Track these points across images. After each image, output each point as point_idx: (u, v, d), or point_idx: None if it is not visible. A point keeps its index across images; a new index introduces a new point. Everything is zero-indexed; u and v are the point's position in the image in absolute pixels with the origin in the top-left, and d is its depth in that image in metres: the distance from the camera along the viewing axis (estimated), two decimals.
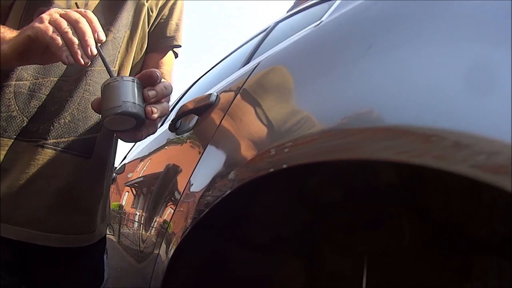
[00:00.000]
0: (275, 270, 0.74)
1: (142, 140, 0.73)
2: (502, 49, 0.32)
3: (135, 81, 0.65)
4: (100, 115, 0.66)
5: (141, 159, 1.52)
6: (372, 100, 0.43)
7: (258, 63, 0.84)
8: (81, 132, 0.81)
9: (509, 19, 0.33)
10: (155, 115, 0.65)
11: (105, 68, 0.71)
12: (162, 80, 0.70)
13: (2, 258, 0.74)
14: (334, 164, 0.49)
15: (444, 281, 0.58)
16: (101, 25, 0.83)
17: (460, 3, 0.43)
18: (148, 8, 0.91)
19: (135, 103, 0.63)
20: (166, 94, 0.69)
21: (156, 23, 0.94)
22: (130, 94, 0.63)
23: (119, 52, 0.85)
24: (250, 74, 0.82)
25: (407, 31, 0.47)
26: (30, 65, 0.76)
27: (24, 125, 0.75)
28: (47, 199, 0.78)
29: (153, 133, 0.73)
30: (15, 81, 0.76)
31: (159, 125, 0.72)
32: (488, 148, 0.28)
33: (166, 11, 0.95)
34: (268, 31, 1.46)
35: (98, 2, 0.84)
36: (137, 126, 0.66)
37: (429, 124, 0.34)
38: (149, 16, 0.92)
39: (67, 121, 0.79)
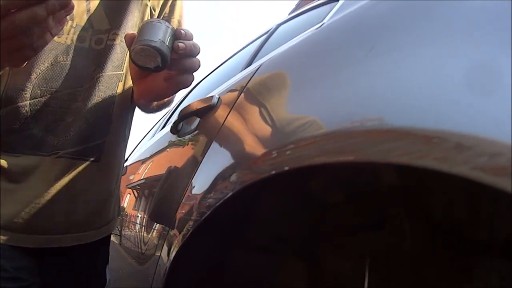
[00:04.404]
0: (276, 271, 0.74)
1: (168, 99, 0.78)
2: (504, 50, 0.33)
3: (174, 30, 0.68)
4: (130, 50, 0.68)
5: (143, 161, 1.52)
6: (374, 102, 0.43)
7: (260, 65, 0.84)
8: (94, 137, 0.81)
9: (510, 20, 0.34)
10: (182, 51, 0.67)
11: (115, 73, 0.73)
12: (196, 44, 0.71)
13: (22, 263, 0.76)
14: (335, 166, 0.49)
15: (446, 282, 0.57)
16: (107, 29, 0.81)
17: (461, 4, 0.43)
18: (150, 8, 0.90)
19: (168, 47, 0.66)
20: (194, 52, 0.69)
21: None
22: (167, 38, 0.66)
23: (127, 55, 0.84)
24: (252, 76, 0.82)
25: (409, 32, 0.47)
26: (42, 82, 0.76)
27: (44, 140, 0.76)
28: (64, 206, 0.79)
29: (176, 90, 0.76)
30: (30, 100, 0.76)
31: (187, 79, 0.73)
32: (489, 149, 0.28)
33: (167, 9, 0.95)
34: (270, 33, 1.46)
35: (99, 3, 0.82)
36: (155, 69, 0.68)
37: (431, 126, 0.34)
38: (151, 16, 0.91)
39: (82, 128, 0.79)
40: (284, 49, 0.81)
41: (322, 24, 0.74)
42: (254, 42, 1.58)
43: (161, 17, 0.94)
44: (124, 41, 0.79)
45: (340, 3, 0.83)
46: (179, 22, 0.96)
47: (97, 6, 0.82)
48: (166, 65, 0.67)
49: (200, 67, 0.74)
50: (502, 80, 0.31)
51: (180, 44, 0.67)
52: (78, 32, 0.81)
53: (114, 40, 0.83)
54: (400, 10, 0.52)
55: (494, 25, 0.37)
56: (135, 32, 0.80)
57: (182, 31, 0.68)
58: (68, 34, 0.80)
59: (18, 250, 0.75)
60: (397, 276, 0.64)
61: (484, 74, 0.34)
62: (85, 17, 0.81)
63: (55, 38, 0.77)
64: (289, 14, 1.58)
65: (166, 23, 0.68)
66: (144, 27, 0.67)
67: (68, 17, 0.75)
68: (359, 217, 0.65)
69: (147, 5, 0.90)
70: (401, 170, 0.52)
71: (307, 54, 0.70)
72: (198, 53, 0.71)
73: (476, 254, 0.54)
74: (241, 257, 0.73)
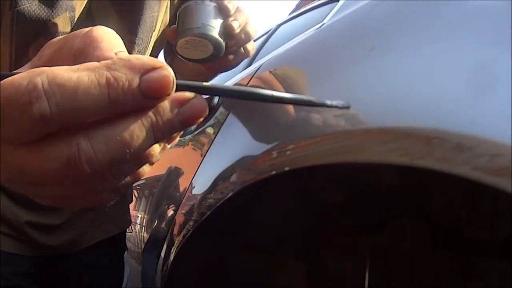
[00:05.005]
0: (277, 272, 0.74)
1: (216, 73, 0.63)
2: (504, 51, 0.33)
3: (216, 7, 0.57)
4: (174, 43, 0.57)
5: None
6: (374, 102, 0.43)
7: (260, 66, 0.84)
8: None
9: (510, 20, 0.33)
10: (236, 31, 0.56)
11: None
12: (243, 12, 0.59)
13: (24, 270, 0.75)
14: (336, 166, 0.49)
15: (446, 282, 0.57)
16: (116, 29, 0.67)
17: (462, 4, 0.43)
18: None
19: (216, 28, 0.55)
20: (248, 32, 0.59)
21: None
22: (211, 18, 0.55)
23: None
24: (252, 77, 0.82)
25: (409, 32, 0.47)
26: None
27: None
28: (72, 232, 0.79)
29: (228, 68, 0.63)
30: None
31: (239, 58, 0.62)
32: (490, 150, 0.28)
33: None
34: (270, 34, 1.46)
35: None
36: (211, 58, 0.57)
37: (431, 126, 0.34)
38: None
39: None
40: (284, 50, 0.81)
41: (323, 24, 0.74)
42: (255, 42, 1.58)
43: None
44: (143, 51, 0.69)
45: (340, 3, 0.83)
46: None
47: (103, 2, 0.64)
48: (222, 51, 0.57)
49: (257, 31, 0.61)
50: (502, 81, 0.31)
51: (233, 23, 0.56)
52: None
53: (129, 51, 0.66)
54: (400, 10, 0.52)
55: (495, 25, 0.37)
56: (154, 33, 0.68)
57: (230, 5, 0.57)
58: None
59: (21, 256, 0.74)
60: (397, 276, 0.64)
61: (485, 74, 0.34)
62: (85, 8, 0.63)
63: None
64: (289, 14, 1.58)
65: (207, 1, 0.56)
66: (182, 14, 0.57)
67: (65, 4, 0.59)
68: (359, 218, 0.65)
69: None
70: (401, 170, 0.52)
71: (307, 54, 0.70)
72: (255, 31, 0.61)
73: (476, 254, 0.54)
74: (241, 258, 0.73)
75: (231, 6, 0.57)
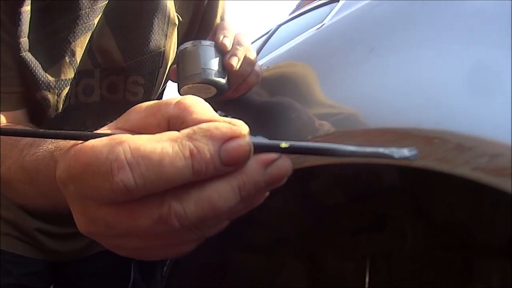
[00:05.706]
0: (277, 272, 0.74)
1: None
2: (504, 51, 0.33)
3: (214, 45, 0.57)
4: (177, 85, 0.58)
5: None
6: (374, 102, 0.43)
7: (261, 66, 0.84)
8: None
9: (510, 21, 0.33)
10: (236, 67, 0.56)
11: None
12: (241, 42, 0.58)
13: (34, 269, 0.77)
14: (336, 166, 0.49)
15: (447, 283, 0.57)
16: (121, 68, 0.64)
17: (462, 4, 0.43)
18: (177, 17, 0.68)
19: (215, 70, 0.56)
20: (250, 61, 0.58)
21: (195, 28, 0.72)
22: (209, 60, 0.56)
23: None
24: None
25: (409, 33, 0.47)
26: None
27: None
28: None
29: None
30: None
31: (246, 88, 0.62)
32: (490, 150, 0.28)
33: (202, 9, 0.71)
34: (270, 34, 1.46)
35: (101, 17, 0.61)
36: (216, 96, 0.59)
37: (431, 127, 0.34)
38: (180, 25, 0.69)
39: None
40: (284, 50, 0.81)
41: (323, 25, 0.74)
42: (255, 43, 1.58)
43: (197, 21, 0.72)
44: (149, 91, 0.68)
45: (340, 3, 0.83)
46: (222, 17, 0.75)
47: (98, 22, 0.61)
48: (225, 89, 0.57)
49: (257, 55, 0.60)
50: (503, 81, 0.31)
51: (231, 60, 0.55)
52: (82, 79, 0.63)
53: (135, 93, 0.65)
54: (400, 11, 0.52)
55: (495, 26, 0.37)
56: (161, 70, 0.67)
57: (226, 41, 0.56)
58: (70, 88, 0.61)
59: (30, 258, 0.76)
60: (398, 277, 0.64)
61: (485, 75, 0.34)
62: (86, 46, 0.61)
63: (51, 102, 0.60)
64: (289, 15, 1.59)
65: (202, 41, 0.57)
66: (181, 58, 0.57)
67: (63, 50, 0.59)
68: (359, 218, 0.64)
69: (174, 23, 0.66)
70: (401, 170, 0.52)
71: (307, 55, 0.70)
72: (256, 56, 0.61)
73: (477, 255, 0.54)
74: (241, 258, 0.73)
75: (227, 41, 0.57)
